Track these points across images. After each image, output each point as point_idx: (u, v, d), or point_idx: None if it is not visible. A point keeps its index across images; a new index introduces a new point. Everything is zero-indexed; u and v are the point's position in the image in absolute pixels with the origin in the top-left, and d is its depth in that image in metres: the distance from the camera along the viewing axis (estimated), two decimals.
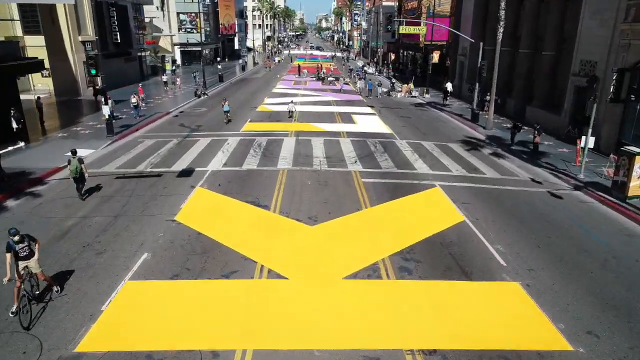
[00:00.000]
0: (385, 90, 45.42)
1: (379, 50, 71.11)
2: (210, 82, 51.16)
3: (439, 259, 12.08)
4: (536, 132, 23.78)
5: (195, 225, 13.77)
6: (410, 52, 65.59)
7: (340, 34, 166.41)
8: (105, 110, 24.62)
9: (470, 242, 13.09)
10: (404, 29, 33.05)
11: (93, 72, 23.58)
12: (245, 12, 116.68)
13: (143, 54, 60.21)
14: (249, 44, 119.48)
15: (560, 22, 29.64)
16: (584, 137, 19.68)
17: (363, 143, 24.65)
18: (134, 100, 31.52)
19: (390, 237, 13.28)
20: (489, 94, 34.25)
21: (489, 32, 38.97)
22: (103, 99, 24.55)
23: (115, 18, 46.09)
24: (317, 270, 11.34)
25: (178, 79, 45.68)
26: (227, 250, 12.26)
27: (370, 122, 30.89)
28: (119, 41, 46.95)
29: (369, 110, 36.11)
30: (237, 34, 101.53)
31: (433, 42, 43.56)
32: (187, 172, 19.02)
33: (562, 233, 14.04)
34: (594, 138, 19.57)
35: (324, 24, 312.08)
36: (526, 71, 33.73)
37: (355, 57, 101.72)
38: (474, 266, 11.74)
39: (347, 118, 32.21)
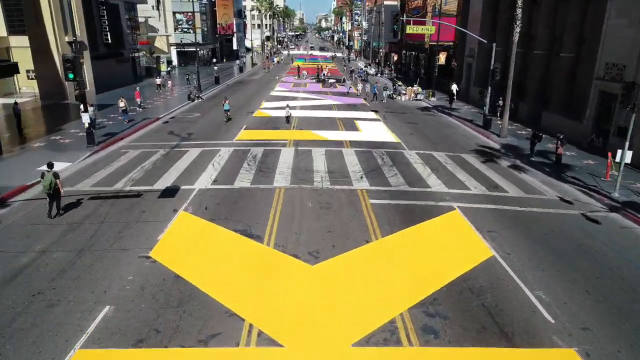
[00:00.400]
0: (389, 93, 43.05)
1: (380, 50, 68.73)
2: (206, 84, 48.82)
3: (470, 313, 9.72)
4: (559, 142, 21.46)
5: (172, 265, 11.40)
6: (413, 53, 63.23)
7: (341, 34, 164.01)
8: (85, 119, 22.23)
9: (505, 288, 10.74)
10: (411, 29, 30.73)
11: (71, 76, 21.15)
12: (244, 12, 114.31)
13: (137, 54, 57.92)
14: (247, 44, 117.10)
15: (580, 21, 27.29)
16: (619, 151, 17.36)
17: (369, 154, 22.28)
18: (122, 104, 29.32)
19: (408, 280, 10.93)
20: (501, 98, 31.95)
21: (500, 32, 36.67)
22: (82, 106, 22.17)
23: (106, 18, 43.72)
24: (320, 333, 8.98)
25: (170, 82, 43.19)
26: (208, 302, 9.90)
27: (375, 129, 28.51)
28: (110, 42, 44.60)
29: (372, 115, 33.74)
30: (235, 34, 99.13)
31: (439, 43, 41.21)
32: (171, 192, 16.66)
33: (612, 272, 11.70)
34: (631, 152, 17.25)
35: (323, 24, 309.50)
36: (541, 74, 31.39)
37: (356, 57, 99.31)
38: (514, 324, 9.39)
39: (350, 124, 29.84)
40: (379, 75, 62.75)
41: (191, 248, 12.40)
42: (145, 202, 15.69)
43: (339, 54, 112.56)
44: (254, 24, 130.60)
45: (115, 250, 12.16)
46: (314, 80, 55.82)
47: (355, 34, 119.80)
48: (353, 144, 24.38)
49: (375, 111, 35.28)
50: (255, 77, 62.23)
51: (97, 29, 43.10)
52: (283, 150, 22.53)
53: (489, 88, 29.73)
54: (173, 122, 30.07)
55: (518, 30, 26.12)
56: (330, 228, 13.72)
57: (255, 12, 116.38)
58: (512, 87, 28.04)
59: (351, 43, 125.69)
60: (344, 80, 56.05)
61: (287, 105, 30.08)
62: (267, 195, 16.33)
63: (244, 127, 28.26)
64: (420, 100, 42.23)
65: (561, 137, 21.44)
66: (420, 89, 42.78)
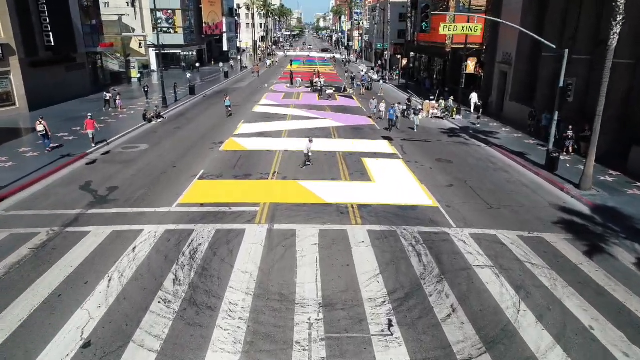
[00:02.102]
0: (402, 108, 33.61)
1: (385, 53, 59.26)
2: (179, 96, 39.26)
3: None
4: None
5: None
6: (427, 57, 53.71)
7: (339, 34, 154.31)
8: None
9: None
10: (446, 28, 21.36)
11: None
12: (237, 11, 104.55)
13: (103, 58, 48.42)
14: (240, 44, 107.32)
15: None
16: None
17: (394, 243, 12.75)
18: (40, 127, 20.63)
19: None
20: (570, 127, 22.60)
21: (550, 31, 27.22)
22: None
23: (47, 14, 34.06)
24: None
25: (119, 96, 33.25)
26: None
27: (394, 176, 19.00)
28: (54, 44, 34.94)
29: (386, 146, 24.21)
30: (225, 34, 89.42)
31: (465, 45, 31.72)
32: None
33: None
34: None
35: (322, 24, 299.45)
36: (624, 92, 21.99)
37: (357, 59, 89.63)
38: None
39: (356, 166, 20.31)
40: (382, 81, 53.18)
41: None
42: None
43: (337, 56, 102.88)
44: (248, 24, 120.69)
45: None
46: (309, 90, 46.30)
47: (356, 33, 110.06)
48: (364, 212, 14.86)
49: (389, 139, 25.73)
50: (241, 84, 52.51)
51: (35, 28, 33.49)
52: (247, 234, 13.01)
53: (556, 113, 20.30)
54: (102, 161, 20.53)
55: (618, 30, 16.65)
56: None
57: (246, 11, 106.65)
58: (576, 108, 18.83)
59: (350, 43, 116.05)
60: (345, 90, 46.54)
61: (310, 141, 19.98)
62: None
63: (200, 173, 18.70)
64: (440, 118, 32.71)
65: None
66: (443, 104, 33.31)
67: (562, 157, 21.34)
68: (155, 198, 15.81)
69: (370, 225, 13.80)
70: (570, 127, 22.14)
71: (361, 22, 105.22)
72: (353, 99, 41.17)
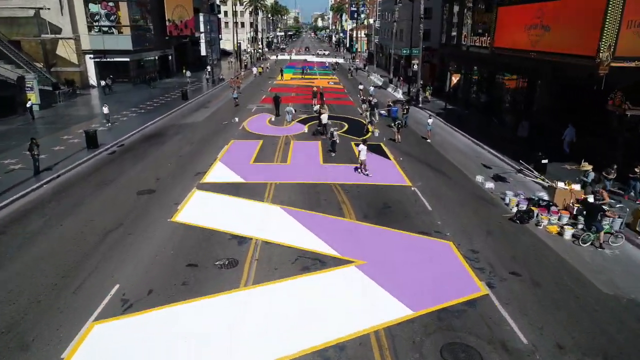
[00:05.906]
0: (522, 206, 14.26)
1: (414, 63, 39.84)
2: (67, 152, 19.71)
3: None
4: None
5: None
6: (486, 72, 34.16)
7: (340, 34, 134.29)
8: None
9: None
10: None
11: None
12: (219, 6, 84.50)
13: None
14: (227, 46, 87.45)
15: None
16: None
17: None
18: None
19: None
20: None
21: None
22: None
23: None
24: None
25: None
26: None
27: None
28: None
29: None
30: (203, 35, 69.48)
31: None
32: None
33: None
34: None
35: (320, 23, 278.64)
36: None
37: (365, 66, 69.79)
38: None
39: None
40: (430, 117, 32.97)
41: None
42: None
43: (341, 61, 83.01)
44: (238, 22, 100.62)
45: None
46: (305, 129, 26.72)
47: (362, 34, 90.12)
48: None
49: None
50: (196, 116, 32.29)
51: None
52: None
53: None
54: None
55: None
56: None
57: (227, 7, 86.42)
58: None
59: (355, 45, 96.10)
60: (368, 130, 26.43)
61: None
62: None
63: None
64: (611, 234, 13.10)
65: None
66: (605, 191, 13.87)
67: None
68: None
69: None
70: None
71: (367, 20, 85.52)
72: (389, 157, 21.45)
